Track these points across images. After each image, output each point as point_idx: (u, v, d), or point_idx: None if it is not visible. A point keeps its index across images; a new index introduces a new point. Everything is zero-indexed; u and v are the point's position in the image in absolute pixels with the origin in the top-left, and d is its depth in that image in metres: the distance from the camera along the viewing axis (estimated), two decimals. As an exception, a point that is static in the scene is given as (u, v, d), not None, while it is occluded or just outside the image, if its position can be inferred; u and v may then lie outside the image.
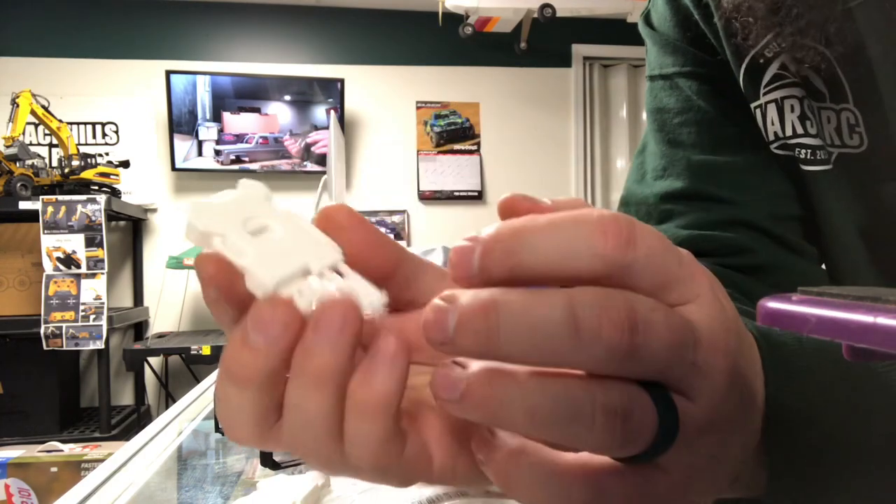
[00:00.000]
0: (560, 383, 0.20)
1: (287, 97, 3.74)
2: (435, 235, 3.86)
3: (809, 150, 0.47)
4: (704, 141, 0.52)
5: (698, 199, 0.51)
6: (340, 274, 0.21)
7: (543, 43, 3.95)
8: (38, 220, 2.83)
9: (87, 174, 3.07)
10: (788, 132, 0.48)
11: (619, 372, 0.20)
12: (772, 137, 0.49)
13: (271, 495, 0.39)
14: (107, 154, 3.55)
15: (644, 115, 4.24)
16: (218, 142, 3.68)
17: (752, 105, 0.49)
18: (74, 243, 2.85)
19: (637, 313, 0.20)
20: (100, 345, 2.86)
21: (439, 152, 3.99)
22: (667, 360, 0.20)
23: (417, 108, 3.98)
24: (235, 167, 3.70)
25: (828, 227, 0.50)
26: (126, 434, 2.99)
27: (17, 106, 2.90)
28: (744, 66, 0.48)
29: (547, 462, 0.21)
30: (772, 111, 0.48)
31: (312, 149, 3.77)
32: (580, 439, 0.20)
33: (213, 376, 0.93)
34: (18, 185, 2.85)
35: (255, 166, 3.72)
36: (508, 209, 0.22)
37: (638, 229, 0.20)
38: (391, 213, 3.90)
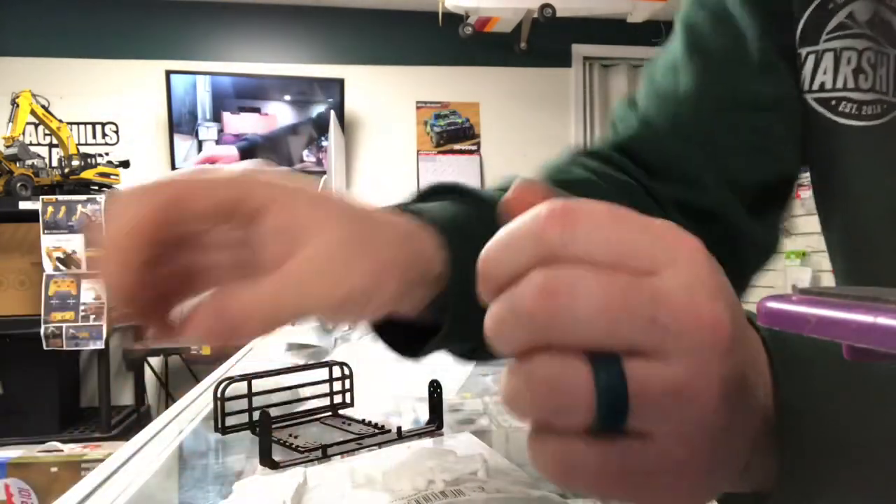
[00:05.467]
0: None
1: (287, 97, 3.74)
2: (435, 235, 3.85)
3: (855, 105, 0.47)
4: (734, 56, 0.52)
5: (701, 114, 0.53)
6: None
7: (543, 43, 3.94)
8: (38, 220, 2.83)
9: (87, 174, 3.07)
10: (839, 84, 0.47)
11: (563, 341, 0.21)
12: (815, 87, 0.48)
13: (255, 497, 0.38)
14: (107, 154, 3.54)
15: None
16: (218, 142, 3.68)
17: (805, 50, 0.48)
18: (74, 243, 2.85)
19: (558, 279, 0.21)
20: (100, 345, 2.86)
21: (439, 152, 3.99)
22: (607, 323, 0.21)
23: (417, 108, 3.98)
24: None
25: (851, 197, 0.49)
26: (126, 434, 2.98)
27: (17, 106, 2.90)
28: (810, 8, 0.48)
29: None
30: (827, 59, 0.47)
31: (312, 149, 3.77)
32: (522, 407, 0.22)
33: (213, 376, 0.93)
34: (18, 185, 2.85)
35: (255, 166, 3.72)
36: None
37: (577, 207, 0.22)
38: (391, 213, 3.90)
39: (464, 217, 0.39)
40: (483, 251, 0.23)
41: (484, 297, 0.24)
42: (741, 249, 0.53)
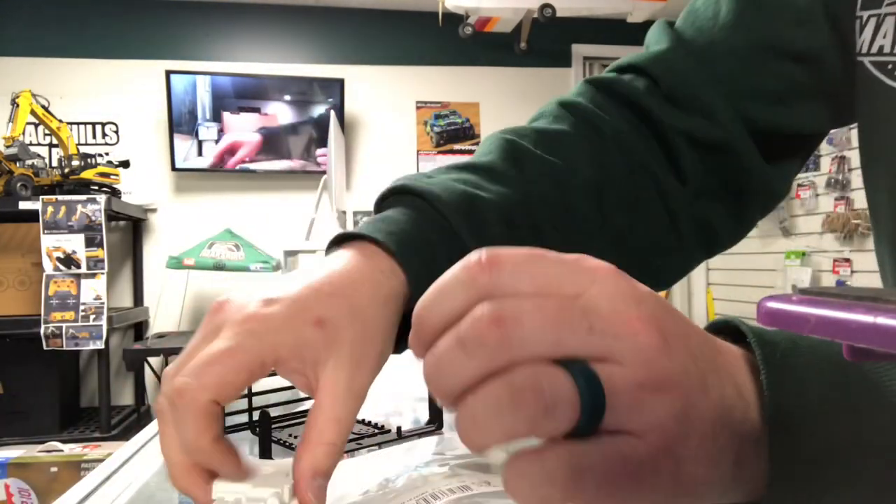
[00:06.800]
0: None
1: (287, 97, 3.74)
2: (435, 235, 3.85)
3: None
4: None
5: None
6: None
7: (543, 43, 3.94)
8: (38, 220, 2.83)
9: (87, 174, 3.07)
10: None
11: (521, 358, 0.22)
12: (874, 50, 0.48)
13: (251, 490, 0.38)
14: (107, 154, 3.55)
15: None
16: (218, 142, 3.68)
17: (867, 13, 0.49)
18: (74, 243, 2.85)
19: (501, 307, 0.23)
20: (100, 345, 2.86)
21: (439, 152, 3.99)
22: (554, 336, 0.22)
23: (417, 108, 3.98)
24: (235, 167, 3.70)
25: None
26: (126, 434, 2.98)
27: (17, 106, 2.90)
28: None
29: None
30: (888, 23, 0.47)
31: (312, 149, 3.77)
32: (502, 421, 0.22)
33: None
34: (18, 185, 2.85)
35: (255, 166, 3.72)
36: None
37: (498, 253, 0.24)
38: (391, 213, 3.90)
39: (415, 228, 0.42)
40: (417, 304, 0.25)
41: (417, 349, 0.25)
42: (748, 188, 0.54)
